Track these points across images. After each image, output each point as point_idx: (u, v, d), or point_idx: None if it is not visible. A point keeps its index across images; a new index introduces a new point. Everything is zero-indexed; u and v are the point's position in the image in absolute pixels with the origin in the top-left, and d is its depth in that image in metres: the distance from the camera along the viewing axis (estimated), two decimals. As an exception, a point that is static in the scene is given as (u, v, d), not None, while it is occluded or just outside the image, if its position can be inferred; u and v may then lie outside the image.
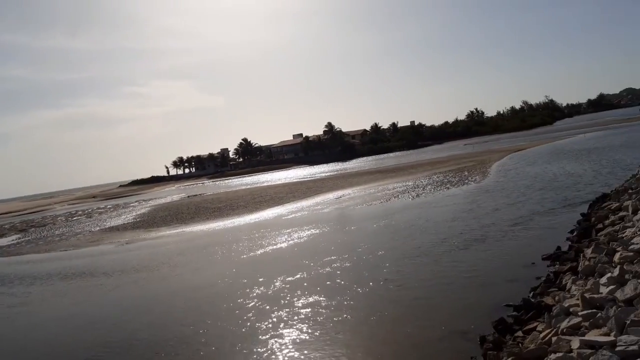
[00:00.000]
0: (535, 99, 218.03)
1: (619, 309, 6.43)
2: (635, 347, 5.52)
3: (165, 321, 12.14)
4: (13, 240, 39.28)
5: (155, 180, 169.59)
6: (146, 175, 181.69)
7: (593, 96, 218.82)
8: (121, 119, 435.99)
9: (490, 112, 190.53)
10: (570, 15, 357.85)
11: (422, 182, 36.28)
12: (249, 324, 10.89)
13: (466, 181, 32.36)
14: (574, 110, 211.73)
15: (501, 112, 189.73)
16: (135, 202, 71.80)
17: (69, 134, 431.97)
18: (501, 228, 16.58)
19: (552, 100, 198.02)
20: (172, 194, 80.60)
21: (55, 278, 19.89)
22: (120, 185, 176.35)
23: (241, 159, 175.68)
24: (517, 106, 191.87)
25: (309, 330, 9.95)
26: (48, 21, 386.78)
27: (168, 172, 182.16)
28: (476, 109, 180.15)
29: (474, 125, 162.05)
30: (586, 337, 6.24)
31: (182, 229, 30.04)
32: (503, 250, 13.96)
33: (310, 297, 12.15)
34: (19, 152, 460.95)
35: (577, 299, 7.69)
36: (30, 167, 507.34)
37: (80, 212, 64.21)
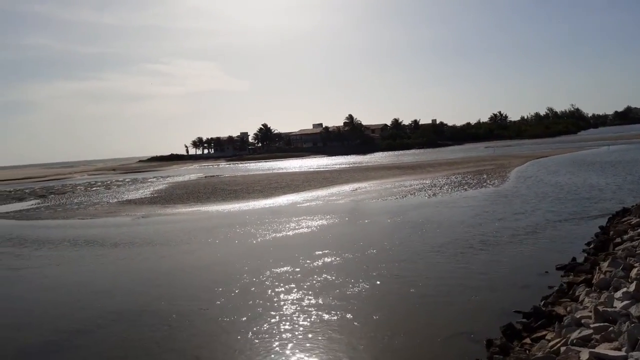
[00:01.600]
0: (561, 106, 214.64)
1: (633, 324, 6.38)
2: (645, 364, 5.50)
3: (176, 294, 12.37)
4: (32, 205, 40.16)
5: (174, 158, 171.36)
6: (165, 152, 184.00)
7: (621, 108, 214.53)
8: (144, 96, 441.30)
9: (513, 116, 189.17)
10: (603, 23, 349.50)
11: (439, 181, 36.08)
12: (255, 305, 11.03)
13: (484, 184, 32.10)
14: (599, 121, 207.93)
15: (525, 117, 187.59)
16: (154, 178, 72.74)
17: (92, 106, 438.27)
18: (516, 234, 16.46)
19: (578, 109, 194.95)
20: (189, 173, 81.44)
21: (72, 245, 20.32)
22: (140, 161, 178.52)
23: (260, 144, 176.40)
24: (542, 112, 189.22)
25: (314, 321, 10.05)
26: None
27: (187, 152, 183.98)
28: (499, 112, 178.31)
29: (497, 129, 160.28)
30: (596, 350, 6.22)
31: (197, 208, 30.39)
32: (517, 256, 13.88)
33: (317, 286, 12.26)
34: (42, 121, 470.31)
35: (590, 311, 7.64)
36: (53, 135, 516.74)
37: (99, 183, 65.31)
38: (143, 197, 40.56)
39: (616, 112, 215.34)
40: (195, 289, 12.91)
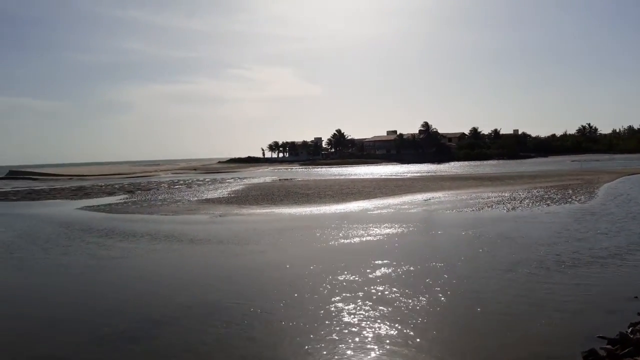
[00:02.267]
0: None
1: None
2: None
3: (245, 293, 12.76)
4: (121, 199, 43.15)
5: (251, 161, 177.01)
6: (243, 154, 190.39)
7: None
8: (225, 99, 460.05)
9: (604, 129, 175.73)
10: None
11: (520, 194, 34.47)
12: (321, 309, 11.13)
13: (569, 200, 30.25)
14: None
15: (617, 130, 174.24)
16: (231, 178, 75.58)
17: (177, 107, 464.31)
18: (604, 255, 15.34)
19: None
20: (265, 176, 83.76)
21: (153, 238, 21.57)
22: (219, 162, 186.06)
23: (333, 150, 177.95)
24: (636, 126, 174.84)
25: (384, 329, 9.96)
26: (170, 1, 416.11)
27: (263, 154, 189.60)
28: (589, 124, 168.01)
29: (585, 142, 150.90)
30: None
31: (271, 210, 31.20)
32: (604, 278, 12.93)
33: (388, 295, 12.13)
34: (133, 120, 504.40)
35: (686, 344, 6.99)
36: (142, 135, 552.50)
37: (181, 182, 68.92)
38: (221, 196, 42.27)
39: None
40: (264, 288, 13.25)
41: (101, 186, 62.85)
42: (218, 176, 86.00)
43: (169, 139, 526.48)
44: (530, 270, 13.84)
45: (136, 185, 61.89)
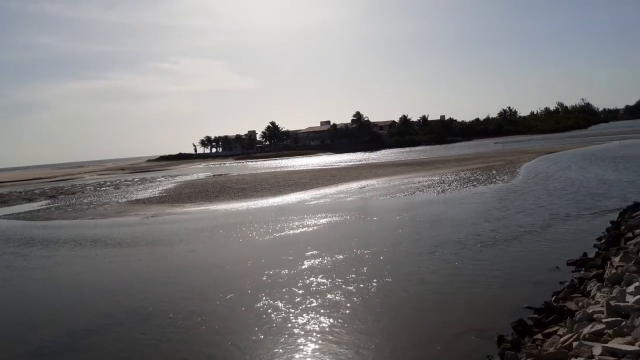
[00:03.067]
0: (571, 101, 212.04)
1: (646, 319, 6.25)
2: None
3: (184, 294, 12.35)
4: (42, 205, 40.46)
5: (182, 157, 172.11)
6: (174, 151, 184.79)
7: (632, 102, 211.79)
8: (152, 95, 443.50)
9: (523, 111, 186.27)
10: (614, 15, 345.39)
11: (448, 177, 35.86)
12: (265, 305, 11.00)
13: (494, 180, 31.85)
14: (610, 115, 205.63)
15: (535, 112, 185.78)
16: (162, 177, 73.03)
17: (100, 105, 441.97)
18: (526, 230, 16.28)
19: (588, 104, 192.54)
20: (198, 172, 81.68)
21: (79, 245, 20.42)
22: (148, 160, 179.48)
23: (268, 142, 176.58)
24: (552, 107, 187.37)
25: (325, 319, 9.99)
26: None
27: (195, 150, 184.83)
28: (509, 108, 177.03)
29: (506, 124, 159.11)
30: (609, 345, 6.10)
31: (206, 207, 30.45)
32: (527, 252, 13.72)
33: (327, 285, 12.20)
34: (51, 121, 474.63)
35: (602, 306, 7.51)
36: (62, 136, 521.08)
37: (108, 183, 65.70)
38: (152, 196, 40.73)
39: (627, 106, 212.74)
40: (202, 288, 12.89)
41: (20, 192, 58.64)
42: (148, 175, 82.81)
43: (93, 139, 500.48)
44: (458, 250, 14.42)
45: (59, 190, 58.25)
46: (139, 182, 63.38)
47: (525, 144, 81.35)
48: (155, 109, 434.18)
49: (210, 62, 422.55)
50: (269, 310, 10.56)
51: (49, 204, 41.33)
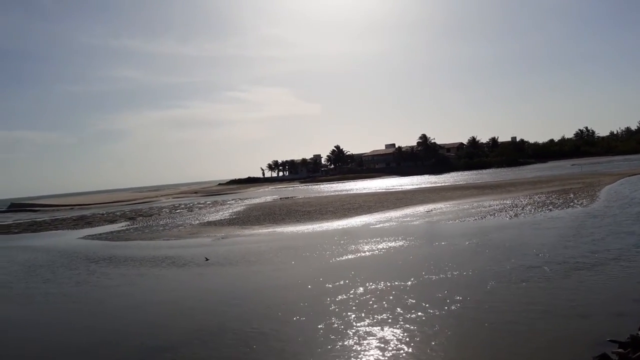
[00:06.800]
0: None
1: None
2: None
3: (253, 315, 12.62)
4: (122, 226, 43.04)
5: (251, 181, 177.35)
6: (243, 175, 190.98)
7: None
8: (223, 122, 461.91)
9: (602, 131, 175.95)
10: None
11: (521, 201, 34.38)
12: (331, 328, 11.00)
13: (571, 204, 30.15)
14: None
15: (615, 132, 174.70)
16: (232, 200, 75.50)
17: (175, 133, 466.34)
18: (608, 257, 15.23)
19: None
20: (265, 195, 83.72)
21: (155, 264, 21.47)
22: (219, 184, 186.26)
23: (332, 166, 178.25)
24: (634, 127, 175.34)
25: (388, 348, 9.84)
26: (163, 29, 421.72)
27: (263, 174, 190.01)
28: (586, 128, 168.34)
29: (583, 145, 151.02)
30: None
31: (273, 229, 31.09)
32: (610, 281, 12.81)
33: (392, 310, 12.01)
34: (132, 147, 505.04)
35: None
36: (141, 161, 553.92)
37: (182, 206, 68.83)
38: (222, 218, 42.16)
39: None
40: (270, 309, 13.11)
41: (102, 214, 62.76)
42: (219, 198, 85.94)
43: (169, 164, 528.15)
44: (536, 277, 13.72)
45: (137, 212, 61.77)
46: (210, 205, 65.86)
47: (606, 166, 76.57)
48: (226, 134, 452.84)
49: (279, 89, 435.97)
50: (338, 333, 10.54)
51: (128, 225, 43.87)
